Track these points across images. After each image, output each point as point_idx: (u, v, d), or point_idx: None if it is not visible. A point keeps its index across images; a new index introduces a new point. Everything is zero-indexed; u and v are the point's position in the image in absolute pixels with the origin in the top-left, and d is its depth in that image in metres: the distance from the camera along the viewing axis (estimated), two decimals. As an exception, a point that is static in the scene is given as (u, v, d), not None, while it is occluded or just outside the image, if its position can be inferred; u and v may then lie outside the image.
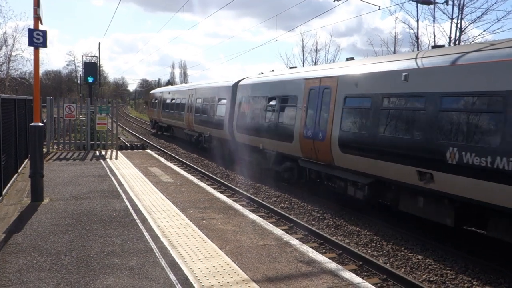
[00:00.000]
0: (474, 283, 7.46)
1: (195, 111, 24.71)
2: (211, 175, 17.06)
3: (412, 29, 28.65)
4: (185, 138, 27.47)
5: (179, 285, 5.25)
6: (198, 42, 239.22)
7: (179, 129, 28.78)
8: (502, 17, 29.81)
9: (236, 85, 19.57)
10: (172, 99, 30.30)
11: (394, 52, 27.57)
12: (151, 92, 42.89)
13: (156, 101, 35.99)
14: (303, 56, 38.30)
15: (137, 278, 5.40)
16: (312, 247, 7.93)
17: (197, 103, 24.42)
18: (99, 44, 54.43)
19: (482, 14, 21.07)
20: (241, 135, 18.17)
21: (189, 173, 15.87)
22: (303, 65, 37.28)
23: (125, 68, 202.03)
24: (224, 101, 20.36)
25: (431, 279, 7.74)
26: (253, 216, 8.70)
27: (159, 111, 34.41)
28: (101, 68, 58.50)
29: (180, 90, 29.61)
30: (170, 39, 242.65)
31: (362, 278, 7.06)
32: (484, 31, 21.82)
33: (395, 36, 28.92)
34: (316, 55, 37.78)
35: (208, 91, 23.13)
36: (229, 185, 15.19)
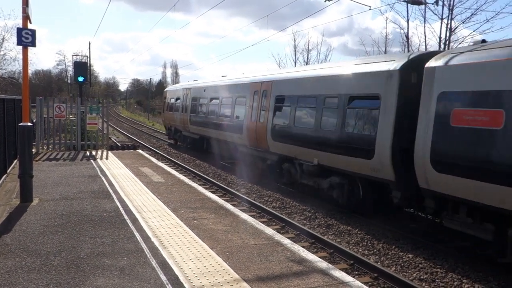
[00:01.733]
0: (463, 281, 7.52)
1: (273, 117, 14.98)
2: (203, 175, 17.02)
3: (402, 29, 28.83)
4: (238, 157, 18.39)
5: (169, 285, 5.23)
6: (189, 42, 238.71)
7: (226, 145, 19.10)
8: (491, 18, 29.82)
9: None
10: (213, 99, 20.98)
11: (385, 53, 27.69)
12: (169, 89, 32.24)
13: (179, 101, 26.65)
14: (295, 56, 38.33)
15: (128, 279, 5.37)
16: (303, 247, 7.94)
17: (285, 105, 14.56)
18: (90, 43, 54.06)
19: (472, 14, 21.13)
20: None
21: (180, 173, 15.82)
22: (295, 65, 37.33)
23: (115, 67, 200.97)
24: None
25: (422, 277, 7.79)
26: (244, 216, 8.69)
27: (185, 116, 24.83)
28: (91, 68, 58.16)
29: (234, 84, 19.29)
30: (161, 38, 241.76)
31: (353, 277, 7.09)
32: (474, 31, 21.95)
33: (385, 36, 29.03)
34: (307, 55, 37.84)
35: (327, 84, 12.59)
36: (221, 185, 15.17)
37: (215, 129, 20.13)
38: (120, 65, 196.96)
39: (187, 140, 25.81)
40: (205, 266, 5.87)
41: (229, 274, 5.63)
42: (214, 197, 10.44)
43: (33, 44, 9.07)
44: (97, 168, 13.82)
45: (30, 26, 9.23)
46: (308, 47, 38.27)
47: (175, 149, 26.80)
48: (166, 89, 33.56)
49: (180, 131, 26.86)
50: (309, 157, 12.76)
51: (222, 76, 23.10)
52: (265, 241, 7.07)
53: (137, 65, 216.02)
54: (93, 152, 17.90)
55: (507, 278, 7.52)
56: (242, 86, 18.13)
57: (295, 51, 38.44)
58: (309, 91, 13.12)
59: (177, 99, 27.57)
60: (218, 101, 20.43)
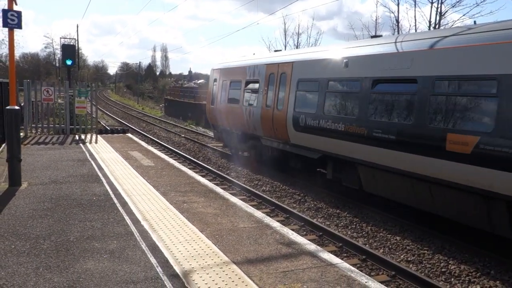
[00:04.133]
0: (450, 262, 7.67)
1: None
2: (193, 159, 17.01)
3: (392, 12, 28.77)
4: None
5: (159, 267, 5.26)
6: (178, 25, 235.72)
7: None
8: (481, 2, 29.77)
9: None
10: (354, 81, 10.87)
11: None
12: (224, 66, 18.61)
13: (256, 88, 15.25)
14: (285, 39, 38.07)
15: (117, 262, 5.39)
16: (292, 229, 8.01)
17: None
18: (77, 26, 53.15)
19: (462, -2, 21.11)
20: None
21: (170, 157, 15.79)
22: (285, 49, 37.13)
23: (104, 51, 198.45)
24: None
25: (409, 259, 7.92)
26: (234, 199, 8.73)
27: (279, 114, 13.59)
28: (79, 51, 57.35)
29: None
30: (149, 21, 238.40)
31: (342, 259, 7.19)
32: (464, 15, 21.97)
33: (376, 19, 28.99)
34: (298, 39, 37.63)
35: None
36: (211, 168, 15.19)
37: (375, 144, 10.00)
38: (109, 48, 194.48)
39: (273, 155, 15.01)
40: (194, 249, 5.90)
41: (218, 257, 5.68)
42: (204, 180, 10.46)
43: (19, 26, 8.90)
44: (86, 152, 13.74)
45: (15, 7, 9.04)
46: (298, 31, 38.15)
47: (165, 133, 26.55)
48: (216, 67, 19.27)
49: (256, 138, 15.42)
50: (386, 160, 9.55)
51: (275, 51, 17.81)
52: (255, 224, 7.13)
53: (127, 49, 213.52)
54: (82, 136, 17.76)
55: (492, 259, 7.68)
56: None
57: (285, 34, 38.27)
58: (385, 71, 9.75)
59: (248, 84, 15.82)
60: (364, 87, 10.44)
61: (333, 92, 11.41)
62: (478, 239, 8.50)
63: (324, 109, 11.56)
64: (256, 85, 15.19)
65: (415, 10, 24.52)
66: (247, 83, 15.84)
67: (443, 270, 7.38)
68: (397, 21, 23.90)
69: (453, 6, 21.48)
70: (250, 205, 8.85)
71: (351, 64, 10.84)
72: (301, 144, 12.64)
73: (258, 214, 7.81)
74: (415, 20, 23.04)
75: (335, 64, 11.47)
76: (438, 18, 21.31)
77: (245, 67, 16.12)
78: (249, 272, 5.24)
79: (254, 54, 18.76)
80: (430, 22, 21.54)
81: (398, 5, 22.51)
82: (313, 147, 12.11)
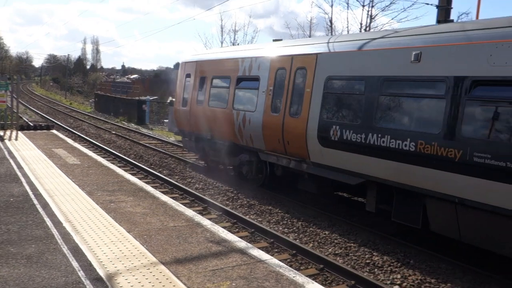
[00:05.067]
0: (374, 253, 8.02)
1: None
2: (124, 157, 16.45)
3: (326, 14, 29.60)
4: None
5: (81, 271, 5.01)
6: (111, 17, 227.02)
7: None
8: (408, 7, 31.44)
9: None
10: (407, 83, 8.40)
11: (310, 36, 28.29)
12: (201, 59, 14.76)
13: (242, 86, 12.58)
14: (222, 36, 37.88)
15: (35, 267, 5.06)
16: (224, 227, 7.99)
17: None
18: (-3, 14, 49.31)
19: (391, 3, 22.19)
20: None
21: (98, 154, 15.14)
22: (221, 46, 36.96)
23: (29, 41, 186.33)
24: None
25: (337, 252, 8.19)
26: (165, 198, 8.54)
27: (297, 123, 10.23)
28: (1, 41, 53.30)
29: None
30: (79, 12, 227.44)
31: (272, 254, 7.29)
32: (392, 19, 23.16)
33: (310, 20, 29.67)
34: (234, 36, 37.59)
35: None
36: (143, 166, 14.77)
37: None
38: (34, 39, 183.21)
39: (277, 174, 11.95)
40: (121, 251, 5.69)
41: (146, 258, 5.51)
42: (133, 179, 10.13)
43: None
44: (4, 150, 12.80)
45: None
46: (235, 28, 38.03)
47: (94, 130, 25.41)
48: (189, 59, 15.50)
49: (252, 152, 12.22)
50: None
51: (275, 41, 13.17)
52: (185, 223, 7.01)
53: (54, 40, 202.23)
54: (1, 133, 16.54)
55: (412, 250, 8.14)
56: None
57: (222, 31, 38.00)
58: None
59: (241, 81, 12.56)
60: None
61: (392, 95, 8.33)
62: (401, 232, 8.97)
63: (375, 119, 8.39)
64: (255, 84, 11.78)
65: (347, 13, 25.46)
66: (240, 80, 12.47)
67: (367, 261, 7.70)
68: (331, 23, 24.61)
69: (382, 10, 22.53)
70: (181, 204, 8.70)
71: (427, 57, 7.72)
72: (330, 164, 9.50)
73: (189, 212, 7.70)
74: (348, 22, 23.94)
75: (396, 57, 8.27)
76: (369, 21, 22.22)
77: (237, 60, 12.61)
78: (178, 272, 5.14)
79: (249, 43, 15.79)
80: (361, 24, 22.41)
81: (332, 6, 23.36)
82: (352, 169, 8.96)
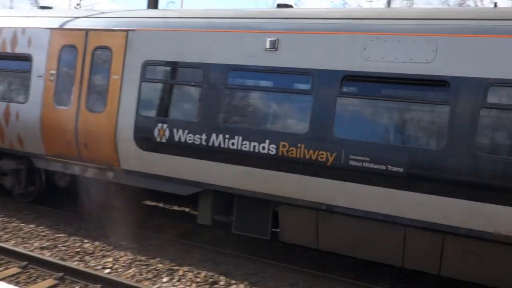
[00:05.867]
0: (84, 241, 7.79)
1: None
2: None
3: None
4: None
5: None
6: None
7: None
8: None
9: None
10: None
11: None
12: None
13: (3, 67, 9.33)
14: None
15: None
16: None
17: None
18: None
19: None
20: None
21: None
22: None
23: None
24: None
25: (43, 245, 7.57)
26: None
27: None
28: None
29: None
30: None
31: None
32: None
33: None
34: None
35: None
36: None
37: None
38: None
39: (65, 186, 9.48)
40: None
41: None
42: None
43: None
44: None
45: None
46: None
47: None
48: None
49: (20, 157, 9.19)
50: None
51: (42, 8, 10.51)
52: None
53: None
54: None
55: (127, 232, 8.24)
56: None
57: None
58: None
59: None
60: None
61: (242, 89, 7.35)
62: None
63: (221, 117, 7.11)
64: (25, 65, 8.84)
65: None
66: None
67: (78, 250, 7.41)
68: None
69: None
70: None
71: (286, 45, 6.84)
72: (152, 171, 7.69)
73: None
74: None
75: (246, 43, 7.05)
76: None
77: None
78: None
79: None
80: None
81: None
82: (186, 177, 7.45)
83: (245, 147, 6.82)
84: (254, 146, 6.77)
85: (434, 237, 6.10)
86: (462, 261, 6.06)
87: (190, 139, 7.20)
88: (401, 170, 5.95)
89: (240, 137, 6.86)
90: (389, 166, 6.00)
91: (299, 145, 6.47)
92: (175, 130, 7.31)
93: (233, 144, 6.90)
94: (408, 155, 5.96)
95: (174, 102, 7.88)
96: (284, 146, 6.58)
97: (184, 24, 7.66)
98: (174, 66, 7.67)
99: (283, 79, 6.97)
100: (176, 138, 7.30)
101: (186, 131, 7.22)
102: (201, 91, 7.27)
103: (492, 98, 5.61)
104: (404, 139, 6.31)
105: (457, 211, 5.77)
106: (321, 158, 6.36)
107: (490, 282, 6.00)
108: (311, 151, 6.41)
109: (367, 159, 6.08)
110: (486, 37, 5.64)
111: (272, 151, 6.65)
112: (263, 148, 6.71)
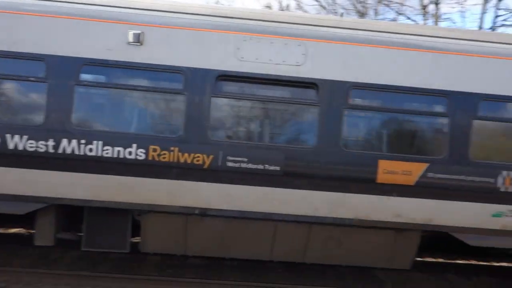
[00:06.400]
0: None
1: None
2: None
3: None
4: None
5: None
6: None
7: None
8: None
9: None
10: None
11: None
12: None
13: None
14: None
15: None
16: None
17: None
18: None
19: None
20: None
21: None
22: None
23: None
24: None
25: None
26: None
27: None
28: None
29: None
30: None
31: None
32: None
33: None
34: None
35: None
36: None
37: None
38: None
39: None
40: None
41: None
42: None
43: None
44: None
45: None
46: None
47: None
48: None
49: None
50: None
51: None
52: None
53: None
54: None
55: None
56: None
57: None
58: None
59: None
60: None
61: (100, 86, 6.39)
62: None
63: (72, 118, 5.97)
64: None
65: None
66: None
67: None
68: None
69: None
70: None
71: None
72: None
73: None
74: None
75: (104, 34, 6.08)
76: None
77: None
78: None
79: None
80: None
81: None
82: (25, 192, 6.02)
83: (107, 153, 6.00)
84: (119, 152, 6.00)
85: (301, 228, 6.50)
86: (323, 246, 6.62)
87: (30, 147, 5.93)
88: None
89: (101, 142, 5.99)
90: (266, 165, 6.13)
91: (171, 148, 6.01)
92: (9, 136, 5.94)
93: (90, 150, 5.99)
94: (284, 154, 6.16)
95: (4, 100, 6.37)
96: (154, 150, 6.00)
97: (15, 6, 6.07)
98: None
99: (151, 77, 6.34)
100: (11, 147, 5.92)
101: (26, 137, 5.95)
102: (44, 87, 6.03)
103: (353, 100, 6.28)
104: (280, 139, 6.64)
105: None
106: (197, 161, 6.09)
107: (345, 261, 6.80)
108: (185, 155, 6.04)
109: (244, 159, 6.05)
110: (351, 45, 6.17)
111: (140, 156, 6.00)
112: (130, 153, 6.02)
